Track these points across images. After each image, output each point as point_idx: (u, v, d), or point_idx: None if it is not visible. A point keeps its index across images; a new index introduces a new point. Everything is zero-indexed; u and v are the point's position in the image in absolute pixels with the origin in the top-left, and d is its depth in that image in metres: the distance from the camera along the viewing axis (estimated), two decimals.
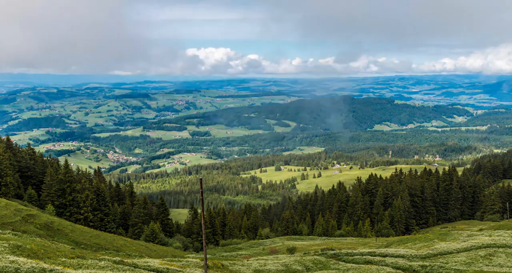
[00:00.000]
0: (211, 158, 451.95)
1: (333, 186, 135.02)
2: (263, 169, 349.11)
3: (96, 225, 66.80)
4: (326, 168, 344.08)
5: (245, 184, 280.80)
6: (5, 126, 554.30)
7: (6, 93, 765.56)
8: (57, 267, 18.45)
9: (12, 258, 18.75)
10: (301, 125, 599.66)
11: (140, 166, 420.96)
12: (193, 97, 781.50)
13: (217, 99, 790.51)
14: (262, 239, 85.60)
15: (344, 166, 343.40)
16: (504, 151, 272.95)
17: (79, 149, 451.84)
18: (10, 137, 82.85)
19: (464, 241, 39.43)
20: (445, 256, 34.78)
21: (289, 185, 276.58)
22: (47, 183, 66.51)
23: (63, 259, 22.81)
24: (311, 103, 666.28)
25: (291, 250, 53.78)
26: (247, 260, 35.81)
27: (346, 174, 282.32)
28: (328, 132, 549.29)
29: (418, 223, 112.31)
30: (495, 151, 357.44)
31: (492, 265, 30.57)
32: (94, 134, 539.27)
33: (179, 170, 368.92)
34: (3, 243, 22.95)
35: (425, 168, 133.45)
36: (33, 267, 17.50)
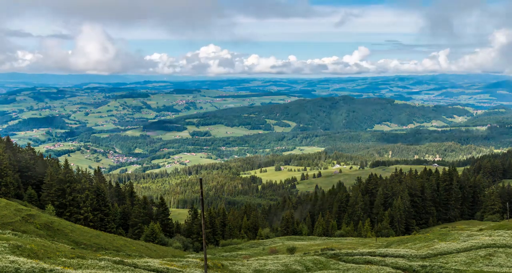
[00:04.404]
0: (211, 158, 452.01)
1: (333, 186, 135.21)
2: (263, 169, 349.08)
3: (96, 225, 66.78)
4: (326, 168, 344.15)
5: (245, 184, 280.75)
6: (5, 126, 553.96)
7: (6, 93, 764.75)
8: (57, 267, 18.44)
9: (12, 258, 18.75)
10: (301, 125, 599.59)
11: (140, 166, 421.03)
12: (193, 97, 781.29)
13: (217, 99, 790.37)
14: (262, 239, 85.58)
15: (344, 166, 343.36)
16: (504, 151, 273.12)
17: (79, 149, 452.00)
18: (10, 137, 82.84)
19: (464, 241, 39.42)
20: (445, 256, 34.78)
21: (289, 185, 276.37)
22: (47, 183, 66.48)
23: (63, 259, 22.81)
24: (311, 103, 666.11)
25: (291, 250, 53.74)
26: (247, 260, 35.81)
27: (346, 174, 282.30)
28: (328, 132, 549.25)
29: (418, 223, 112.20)
30: (495, 151, 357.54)
31: (492, 265, 30.56)
32: (94, 134, 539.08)
33: (179, 170, 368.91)
34: (3, 243, 22.94)
35: (425, 168, 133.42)
36: (33, 267, 17.50)
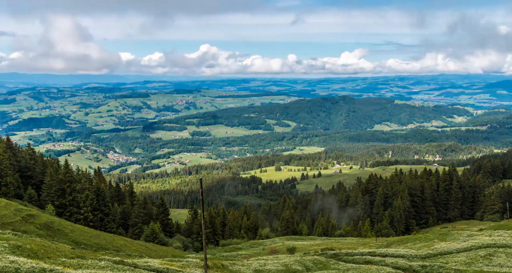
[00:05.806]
0: (211, 158, 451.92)
1: (333, 186, 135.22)
2: (263, 169, 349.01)
3: (96, 225, 66.78)
4: (326, 168, 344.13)
5: (245, 184, 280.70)
6: (5, 126, 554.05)
7: (6, 93, 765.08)
8: (57, 267, 18.44)
9: (12, 258, 18.74)
10: (301, 125, 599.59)
11: (140, 166, 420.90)
12: (193, 97, 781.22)
13: (217, 99, 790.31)
14: (262, 239, 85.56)
15: (344, 166, 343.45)
16: (504, 151, 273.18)
17: (79, 149, 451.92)
18: (10, 137, 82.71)
19: (464, 241, 39.42)
20: (445, 256, 34.77)
21: (289, 185, 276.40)
22: (47, 183, 66.47)
23: (63, 259, 22.81)
24: (311, 103, 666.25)
25: (291, 250, 53.74)
26: (247, 260, 35.80)
27: (346, 174, 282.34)
28: (328, 132, 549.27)
29: (418, 223, 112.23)
30: (495, 151, 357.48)
31: (492, 265, 30.56)
32: (94, 134, 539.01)
33: (179, 170, 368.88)
34: (3, 243, 22.94)
35: (425, 168, 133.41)
36: (33, 267, 17.50)
